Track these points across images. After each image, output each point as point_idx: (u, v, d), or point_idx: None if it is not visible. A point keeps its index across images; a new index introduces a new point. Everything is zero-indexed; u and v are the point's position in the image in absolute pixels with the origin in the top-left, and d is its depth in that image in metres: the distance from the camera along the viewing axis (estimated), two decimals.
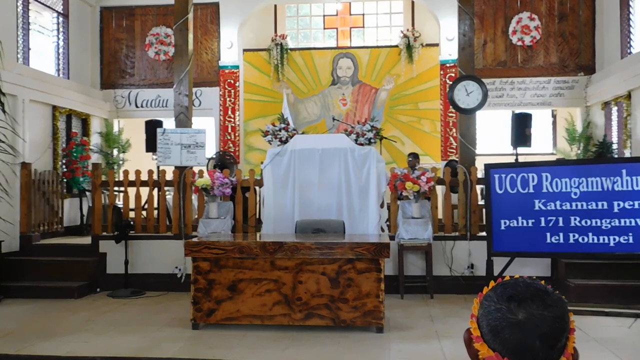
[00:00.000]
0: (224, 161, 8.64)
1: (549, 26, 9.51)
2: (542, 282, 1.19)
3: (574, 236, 5.22)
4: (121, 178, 7.45)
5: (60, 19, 9.47)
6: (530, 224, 5.38)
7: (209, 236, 5.95)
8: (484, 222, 6.24)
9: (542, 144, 10.16)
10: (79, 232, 8.53)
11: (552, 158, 9.26)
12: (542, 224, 5.32)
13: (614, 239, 5.08)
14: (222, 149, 9.86)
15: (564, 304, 1.14)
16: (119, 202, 7.98)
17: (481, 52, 9.59)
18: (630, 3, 8.35)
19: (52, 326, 5.21)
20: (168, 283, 6.73)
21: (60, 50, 9.50)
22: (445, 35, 9.57)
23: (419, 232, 6.26)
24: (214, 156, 8.90)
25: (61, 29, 9.50)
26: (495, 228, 5.55)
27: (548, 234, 5.31)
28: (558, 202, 5.28)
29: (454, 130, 9.36)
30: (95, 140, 9.85)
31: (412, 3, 10.36)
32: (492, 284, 1.20)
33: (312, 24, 11.07)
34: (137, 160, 9.64)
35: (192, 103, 7.49)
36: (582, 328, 4.85)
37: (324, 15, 10.98)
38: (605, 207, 5.11)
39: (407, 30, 10.18)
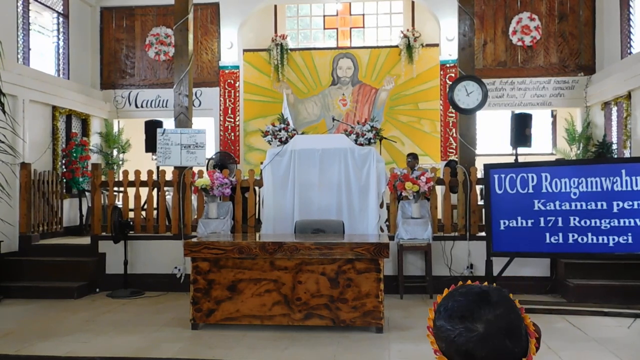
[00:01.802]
0: (224, 161, 8.64)
1: (549, 26, 9.51)
2: (469, 282, 1.19)
3: (573, 236, 5.21)
4: (121, 178, 7.46)
5: (61, 19, 9.48)
6: (529, 224, 5.38)
7: (208, 236, 5.95)
8: (484, 222, 6.24)
9: (542, 144, 10.16)
10: (79, 232, 8.53)
11: (552, 158, 9.26)
12: (542, 224, 5.32)
13: (613, 239, 5.07)
14: (222, 149, 9.86)
15: (502, 291, 1.15)
16: (119, 203, 7.98)
17: (481, 52, 9.59)
18: (630, 3, 8.35)
19: (52, 326, 5.21)
20: (167, 283, 6.73)
21: (60, 50, 9.50)
22: (445, 36, 9.57)
23: (419, 232, 6.26)
24: (214, 156, 8.90)
25: (61, 29, 9.51)
26: (495, 228, 5.54)
27: (547, 234, 5.31)
28: (557, 202, 5.28)
29: (453, 130, 9.36)
30: (95, 140, 9.86)
31: (412, 3, 10.36)
32: (431, 312, 1.19)
33: (312, 24, 11.07)
34: (136, 161, 9.64)
35: (192, 103, 7.49)
36: (582, 328, 4.85)
37: (324, 16, 10.98)
38: (605, 207, 5.11)
39: (407, 30, 10.18)
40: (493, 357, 1.08)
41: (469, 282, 1.21)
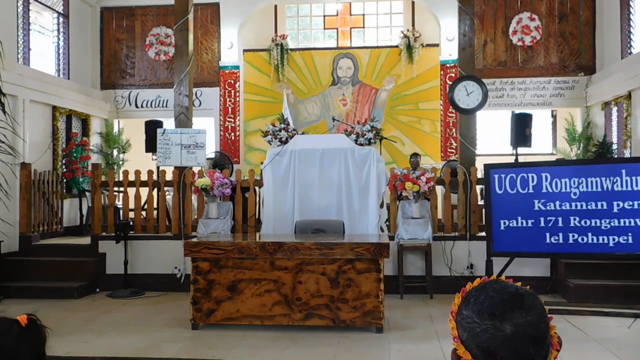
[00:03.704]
0: (220, 162, 8.65)
1: (549, 26, 9.51)
2: (503, 278, 1.18)
3: (573, 236, 5.21)
4: (121, 178, 7.46)
5: (61, 19, 9.47)
6: (529, 224, 5.38)
7: (208, 236, 5.95)
8: (484, 222, 6.24)
9: (542, 144, 10.16)
10: (79, 232, 8.53)
11: (552, 158, 9.26)
12: (542, 224, 5.32)
13: (614, 239, 5.07)
14: (222, 149, 9.86)
15: (537, 298, 1.13)
16: (119, 203, 7.98)
17: (481, 52, 9.59)
18: (631, 3, 8.35)
19: (52, 326, 5.13)
20: (167, 283, 6.73)
21: (61, 50, 9.50)
22: (446, 36, 9.57)
23: (419, 232, 6.26)
24: (212, 156, 8.88)
25: (61, 29, 9.50)
26: (495, 228, 5.54)
27: (547, 234, 5.31)
28: (558, 202, 5.28)
29: (454, 130, 9.36)
30: (95, 140, 9.85)
31: (413, 3, 10.35)
32: (457, 297, 1.18)
33: (313, 24, 11.06)
34: (137, 161, 9.64)
35: (192, 103, 7.49)
36: (582, 328, 4.85)
37: (324, 16, 10.98)
38: (605, 207, 5.11)
39: (408, 30, 10.17)
40: None
41: (503, 277, 1.19)
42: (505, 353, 1.07)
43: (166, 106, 10.00)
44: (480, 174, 6.65)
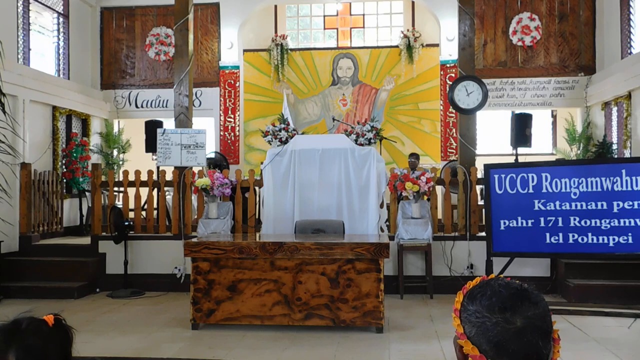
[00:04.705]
0: (219, 162, 8.65)
1: (549, 26, 9.50)
2: (501, 276, 1.19)
3: (573, 236, 5.22)
4: (121, 178, 7.46)
5: (61, 19, 9.47)
6: (529, 224, 5.38)
7: (208, 236, 5.95)
8: (484, 222, 6.25)
9: (542, 144, 10.16)
10: (79, 232, 8.53)
11: (552, 158, 9.26)
12: (542, 224, 5.32)
13: (614, 239, 5.07)
14: (222, 149, 9.87)
15: (540, 294, 1.16)
16: (119, 203, 7.99)
17: (481, 52, 9.59)
18: (631, 3, 8.34)
19: None
20: (167, 283, 6.73)
21: (61, 50, 9.50)
22: (446, 36, 9.57)
23: (419, 233, 6.26)
24: (211, 156, 8.88)
25: (61, 29, 9.50)
26: (495, 228, 5.55)
27: (547, 234, 5.31)
28: (558, 202, 5.28)
29: (454, 130, 9.36)
30: (95, 140, 9.85)
31: (413, 3, 10.35)
32: (460, 295, 1.18)
33: (313, 24, 11.06)
34: (137, 161, 9.64)
35: (192, 103, 7.49)
36: (582, 328, 4.85)
37: (324, 16, 10.98)
38: (605, 207, 5.11)
39: (408, 30, 10.17)
40: (524, 353, 1.08)
41: (501, 276, 1.20)
42: (516, 346, 1.07)
43: (166, 106, 10.00)
44: (480, 174, 6.65)
